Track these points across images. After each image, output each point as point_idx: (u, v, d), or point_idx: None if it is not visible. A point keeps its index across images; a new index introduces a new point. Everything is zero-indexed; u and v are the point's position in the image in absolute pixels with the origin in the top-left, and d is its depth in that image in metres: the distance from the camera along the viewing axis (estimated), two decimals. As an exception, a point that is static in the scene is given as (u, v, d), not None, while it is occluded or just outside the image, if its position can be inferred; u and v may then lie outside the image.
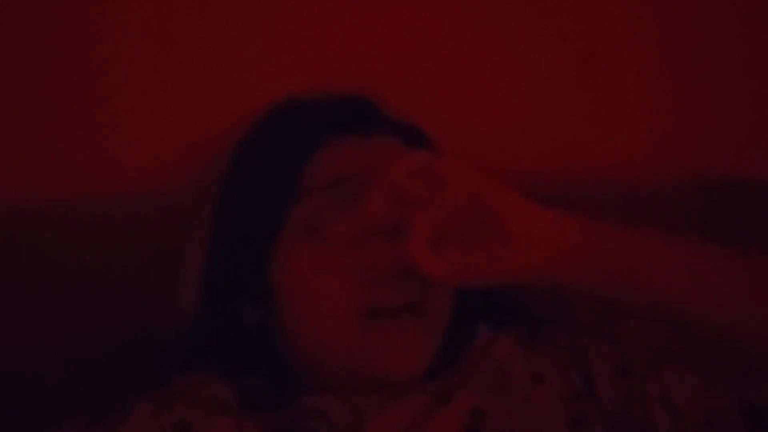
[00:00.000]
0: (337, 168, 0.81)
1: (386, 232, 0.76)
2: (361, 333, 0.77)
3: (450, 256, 0.70)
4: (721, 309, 0.70)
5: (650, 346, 0.81)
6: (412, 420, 0.75)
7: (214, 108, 0.97)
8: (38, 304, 0.92)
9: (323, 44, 1.00)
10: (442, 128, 0.91)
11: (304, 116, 0.87)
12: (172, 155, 0.98)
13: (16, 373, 0.90)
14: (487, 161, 0.98)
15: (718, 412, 0.77)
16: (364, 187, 0.73)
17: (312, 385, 0.80)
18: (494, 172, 0.96)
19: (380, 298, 0.77)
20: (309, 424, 0.76)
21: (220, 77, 0.98)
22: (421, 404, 0.76)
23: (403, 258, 0.71)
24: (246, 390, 0.81)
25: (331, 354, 0.79)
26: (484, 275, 0.71)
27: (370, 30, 1.01)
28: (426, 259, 0.70)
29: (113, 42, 0.96)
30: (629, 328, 0.84)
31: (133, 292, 0.92)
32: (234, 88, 0.97)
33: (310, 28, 0.99)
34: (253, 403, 0.80)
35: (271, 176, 0.83)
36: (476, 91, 1.04)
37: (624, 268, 0.70)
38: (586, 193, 1.03)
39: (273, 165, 0.84)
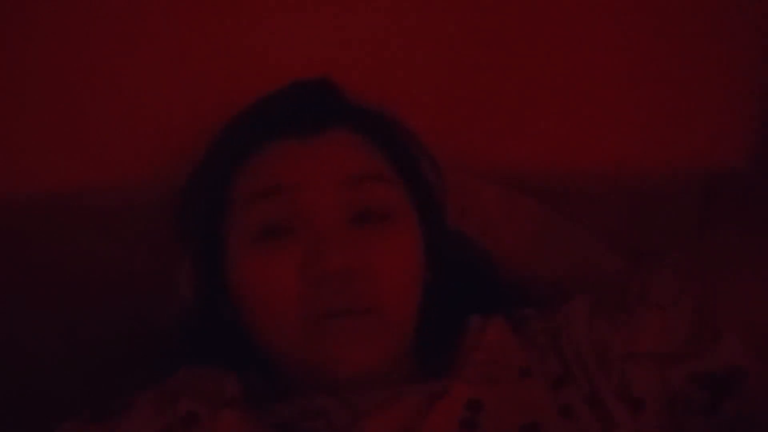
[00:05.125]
0: (273, 175, 0.80)
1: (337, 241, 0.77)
2: (304, 339, 0.77)
3: None
4: None
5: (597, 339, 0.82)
6: (410, 417, 0.75)
7: (210, 99, 0.98)
8: (37, 296, 0.93)
9: (312, 37, 1.00)
10: (440, 123, 0.91)
11: (241, 121, 0.86)
12: (170, 146, 0.98)
13: (16, 366, 0.91)
14: (484, 155, 1.00)
15: (680, 392, 0.78)
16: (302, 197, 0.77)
17: (304, 381, 0.80)
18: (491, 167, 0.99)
19: (322, 304, 0.76)
20: (309, 423, 0.76)
21: (220, 66, 0.99)
22: (419, 400, 0.76)
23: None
24: (250, 383, 0.81)
25: (284, 355, 0.79)
26: None
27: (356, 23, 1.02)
28: None
29: (111, 38, 0.97)
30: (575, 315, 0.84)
31: (133, 283, 0.94)
32: (234, 76, 0.98)
33: (298, 20, 1.00)
34: (257, 396, 0.80)
35: (208, 181, 0.85)
36: (473, 84, 1.04)
37: None
38: (585, 186, 1.04)
39: (210, 170, 0.85)
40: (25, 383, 0.91)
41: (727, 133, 1.08)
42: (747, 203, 1.03)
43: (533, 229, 0.96)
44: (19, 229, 0.94)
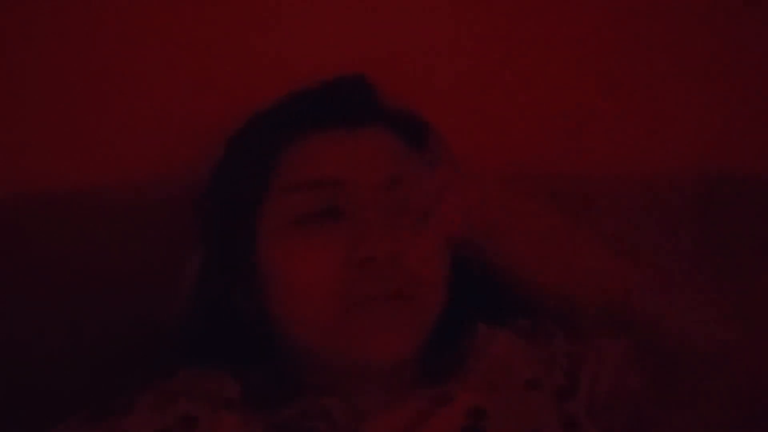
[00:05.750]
0: (320, 166, 0.82)
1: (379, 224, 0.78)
2: (342, 322, 0.78)
3: None
4: None
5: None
6: (411, 421, 0.76)
7: (218, 97, 0.98)
8: (39, 295, 0.93)
9: (332, 34, 1.01)
10: (453, 121, 0.91)
11: (283, 109, 0.87)
12: (177, 145, 0.99)
13: (18, 366, 0.91)
14: (494, 155, 1.00)
15: None
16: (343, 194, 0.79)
17: (312, 381, 0.81)
18: (500, 166, 1.00)
19: (364, 288, 0.78)
20: (311, 423, 0.77)
21: (229, 67, 0.99)
22: (421, 405, 0.77)
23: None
24: (250, 385, 0.81)
25: (315, 342, 0.80)
26: None
27: (378, 19, 1.02)
28: None
29: (121, 36, 0.97)
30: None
31: (136, 281, 0.94)
32: (240, 78, 0.99)
33: (317, 17, 1.01)
34: (257, 398, 0.80)
35: (247, 167, 0.85)
36: (486, 84, 1.05)
37: None
38: (584, 188, 1.05)
39: (249, 156, 0.85)
40: (27, 383, 0.91)
41: (727, 137, 1.09)
42: (746, 207, 1.04)
43: (539, 231, 0.97)
44: (21, 228, 0.94)
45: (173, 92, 0.99)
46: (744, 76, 1.10)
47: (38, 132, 0.97)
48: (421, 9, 1.03)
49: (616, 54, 1.07)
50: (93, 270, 0.94)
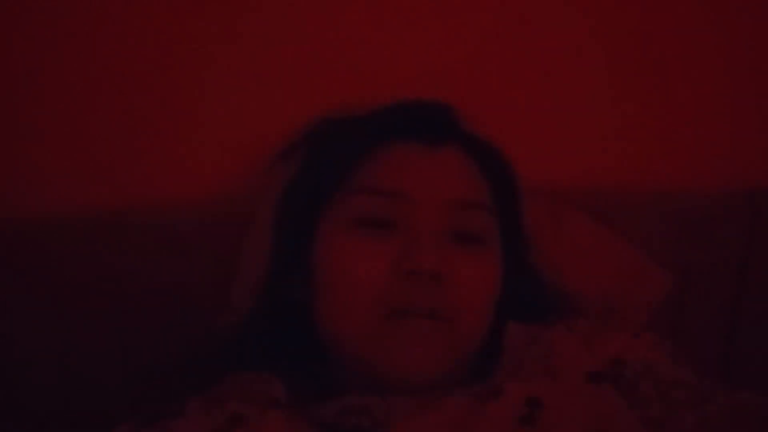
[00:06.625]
0: (395, 179, 0.83)
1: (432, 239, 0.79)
2: (377, 331, 0.78)
3: None
4: None
5: None
6: (462, 416, 0.75)
7: (262, 120, 1.00)
8: (93, 308, 0.94)
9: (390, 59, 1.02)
10: (504, 140, 0.92)
11: (368, 116, 0.89)
12: (220, 165, 1.01)
13: (73, 376, 0.93)
14: (538, 170, 1.00)
15: None
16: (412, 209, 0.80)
17: (353, 380, 0.81)
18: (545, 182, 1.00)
19: (403, 300, 0.78)
20: (353, 419, 0.77)
21: (263, 88, 1.00)
22: (468, 401, 0.76)
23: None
24: (294, 385, 0.82)
25: (347, 346, 0.81)
26: None
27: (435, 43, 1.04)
28: None
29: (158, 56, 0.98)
30: None
31: (185, 296, 0.95)
32: (275, 101, 1.00)
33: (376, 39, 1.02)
34: (301, 398, 0.81)
35: (328, 165, 0.86)
36: (532, 103, 1.06)
37: None
38: (634, 203, 1.05)
39: (333, 155, 0.87)
40: (83, 391, 0.93)
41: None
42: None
43: (582, 241, 0.97)
44: (78, 244, 0.95)
45: (216, 113, 1.01)
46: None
47: (68, 155, 0.98)
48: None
49: (663, 72, 1.08)
50: (143, 286, 0.95)
